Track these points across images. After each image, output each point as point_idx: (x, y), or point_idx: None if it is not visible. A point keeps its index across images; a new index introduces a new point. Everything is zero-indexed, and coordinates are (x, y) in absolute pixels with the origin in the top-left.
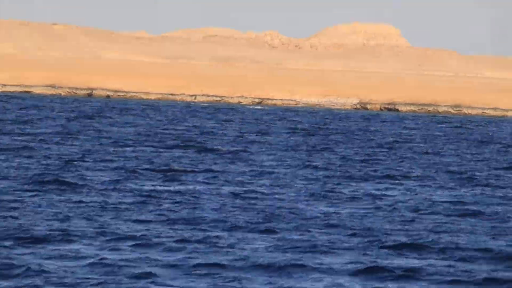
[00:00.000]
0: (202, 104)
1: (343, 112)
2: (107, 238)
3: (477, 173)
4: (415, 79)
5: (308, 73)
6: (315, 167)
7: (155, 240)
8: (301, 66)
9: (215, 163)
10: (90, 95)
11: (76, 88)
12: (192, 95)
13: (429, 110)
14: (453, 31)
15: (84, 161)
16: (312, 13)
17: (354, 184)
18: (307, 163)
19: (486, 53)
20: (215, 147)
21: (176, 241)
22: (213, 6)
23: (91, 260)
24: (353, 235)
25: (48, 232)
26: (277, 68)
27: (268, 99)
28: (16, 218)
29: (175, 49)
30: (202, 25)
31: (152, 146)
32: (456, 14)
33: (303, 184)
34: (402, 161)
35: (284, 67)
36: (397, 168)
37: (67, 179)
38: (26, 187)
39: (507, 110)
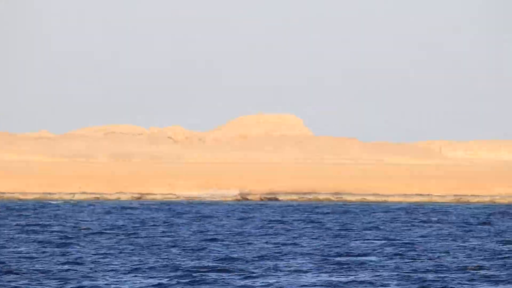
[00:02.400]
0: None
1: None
2: None
3: None
4: (303, 168)
5: (197, 166)
6: None
7: None
8: (203, 160)
9: None
10: None
11: None
12: (70, 193)
13: (309, 198)
14: (356, 119)
15: None
16: (215, 106)
17: None
18: None
19: (387, 140)
20: None
21: None
22: (117, 103)
23: None
24: None
25: None
26: (178, 162)
27: (148, 194)
28: None
29: (76, 147)
30: (106, 122)
31: None
32: (359, 102)
33: None
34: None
35: (186, 161)
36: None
37: None
38: None
39: (387, 196)
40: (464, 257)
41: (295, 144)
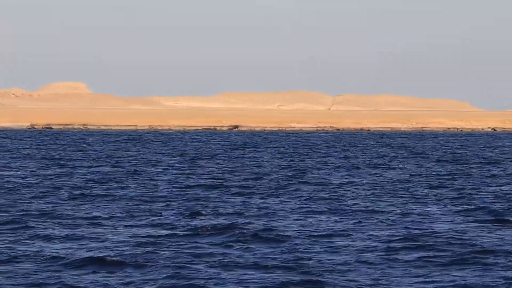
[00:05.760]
0: None
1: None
2: None
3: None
4: (81, 111)
5: (23, 110)
6: None
7: None
8: (29, 107)
9: None
10: None
11: None
12: None
13: (74, 128)
14: (113, 82)
15: None
16: (39, 75)
17: None
18: None
19: (134, 95)
20: None
21: None
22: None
23: None
24: None
25: None
26: (14, 108)
27: None
28: None
29: None
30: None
31: None
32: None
33: None
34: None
35: (19, 108)
36: None
37: None
38: None
39: (108, 126)
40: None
41: (79, 98)
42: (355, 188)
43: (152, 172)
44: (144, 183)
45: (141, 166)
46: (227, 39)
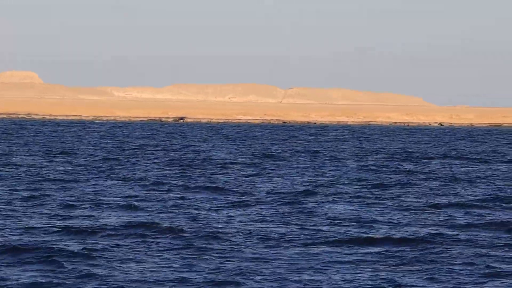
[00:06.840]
0: None
1: None
2: None
3: None
4: (31, 100)
5: None
6: None
7: None
8: None
9: None
10: None
11: None
12: None
13: (18, 117)
14: (63, 73)
15: None
16: None
17: None
18: None
19: (84, 86)
20: None
21: None
22: None
23: None
24: None
25: None
26: None
27: None
28: None
29: None
30: None
31: None
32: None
33: None
34: None
35: None
36: None
37: None
38: None
39: (56, 115)
40: None
41: (31, 87)
42: (281, 182)
43: (78, 164)
44: (64, 177)
45: (70, 157)
46: (223, 39)
